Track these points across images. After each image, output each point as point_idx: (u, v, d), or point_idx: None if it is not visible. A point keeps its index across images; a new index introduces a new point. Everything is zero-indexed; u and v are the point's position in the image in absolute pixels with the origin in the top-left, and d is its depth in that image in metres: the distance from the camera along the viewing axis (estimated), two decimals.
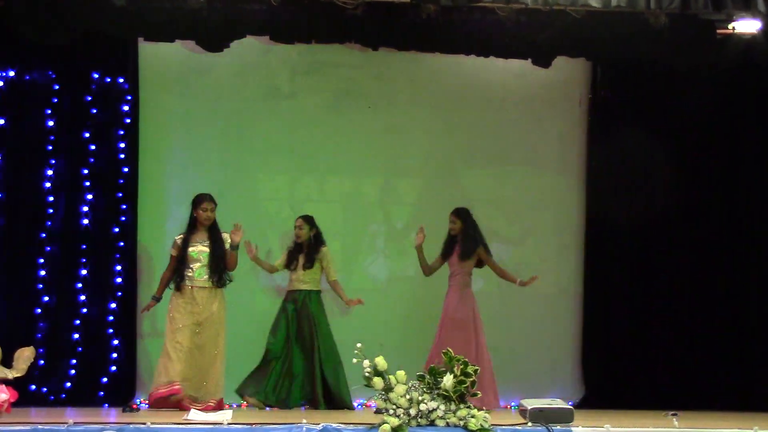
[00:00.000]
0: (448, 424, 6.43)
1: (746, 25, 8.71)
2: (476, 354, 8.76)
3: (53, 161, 9.43)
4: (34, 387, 9.09)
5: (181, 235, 8.42)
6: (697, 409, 9.21)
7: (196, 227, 8.41)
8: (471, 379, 6.52)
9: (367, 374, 6.52)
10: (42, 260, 9.34)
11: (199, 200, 8.42)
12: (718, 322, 10.04)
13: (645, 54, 9.30)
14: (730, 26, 8.78)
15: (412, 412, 6.40)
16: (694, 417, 8.21)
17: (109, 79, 9.60)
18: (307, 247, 9.19)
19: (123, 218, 9.52)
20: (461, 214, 9.21)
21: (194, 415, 7.10)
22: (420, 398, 6.43)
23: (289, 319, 9.09)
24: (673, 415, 7.95)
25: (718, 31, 8.95)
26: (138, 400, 9.29)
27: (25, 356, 6.25)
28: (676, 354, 10.00)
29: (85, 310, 9.38)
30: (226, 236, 8.44)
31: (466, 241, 9.13)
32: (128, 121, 9.60)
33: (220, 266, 8.34)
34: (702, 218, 10.16)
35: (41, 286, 9.32)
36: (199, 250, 8.35)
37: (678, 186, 10.17)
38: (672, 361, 9.99)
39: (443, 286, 9.20)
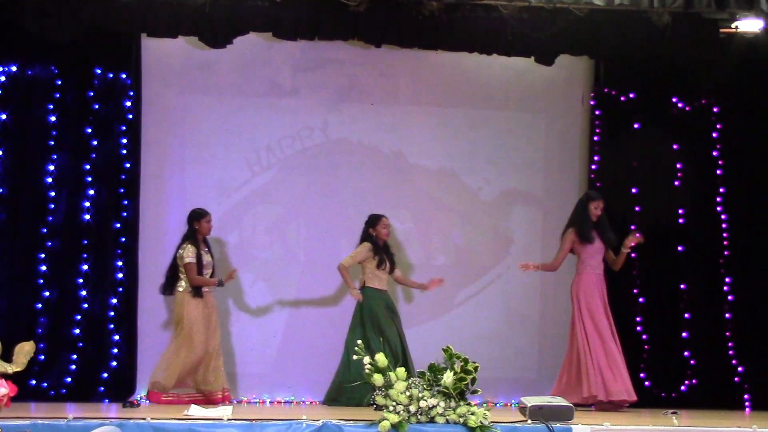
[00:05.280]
0: (447, 421, 6.42)
1: (749, 24, 8.74)
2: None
3: (55, 156, 9.43)
4: (33, 382, 9.09)
5: (190, 245, 9.03)
6: (697, 407, 9.23)
7: (197, 238, 9.05)
8: (471, 377, 6.51)
9: (367, 371, 6.52)
10: (43, 255, 9.33)
11: (203, 214, 9.13)
12: (718, 320, 10.04)
13: (648, 52, 9.30)
14: (733, 25, 8.82)
15: (412, 408, 6.39)
16: (694, 415, 8.21)
17: (111, 75, 9.59)
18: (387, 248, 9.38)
19: (124, 213, 9.52)
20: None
21: (194, 410, 7.10)
22: (420, 395, 6.43)
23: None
24: (673, 413, 7.96)
25: (721, 30, 8.98)
26: (138, 396, 9.30)
27: (25, 351, 6.23)
28: (677, 353, 9.99)
29: (85, 305, 9.37)
30: None
31: (606, 225, 9.04)
32: (130, 116, 9.59)
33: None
34: (706, 215, 10.16)
35: (42, 281, 9.32)
36: (208, 260, 9.15)
37: (682, 183, 10.18)
38: (672, 360, 9.98)
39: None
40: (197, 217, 9.15)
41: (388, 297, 9.30)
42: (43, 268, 9.33)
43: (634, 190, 10.16)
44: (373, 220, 9.25)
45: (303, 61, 10.05)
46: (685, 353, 10.01)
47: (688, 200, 10.21)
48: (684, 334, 10.03)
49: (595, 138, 10.31)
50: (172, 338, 9.10)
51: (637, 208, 10.14)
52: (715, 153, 10.26)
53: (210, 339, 9.03)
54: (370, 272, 9.21)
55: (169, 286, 9.16)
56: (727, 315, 10.07)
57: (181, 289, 9.06)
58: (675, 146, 10.24)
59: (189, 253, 9.02)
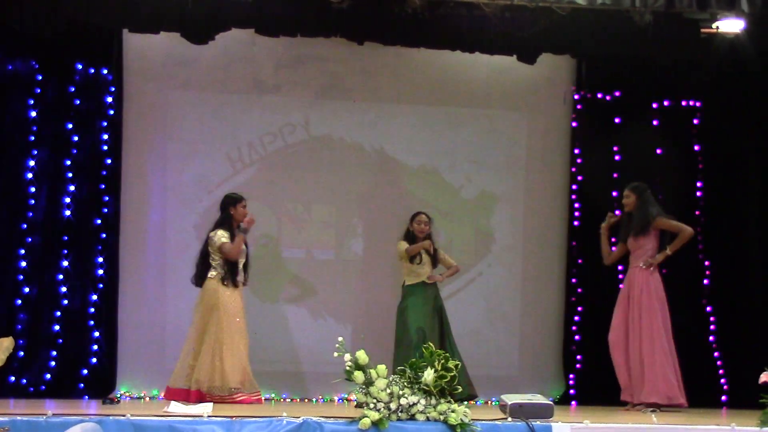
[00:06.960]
0: (428, 419, 6.42)
1: (730, 25, 8.78)
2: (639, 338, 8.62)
3: (35, 152, 9.41)
4: (13, 378, 9.06)
5: (222, 230, 8.46)
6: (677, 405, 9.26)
7: (232, 225, 8.53)
8: (451, 374, 6.51)
9: (347, 368, 6.52)
10: (23, 251, 9.30)
11: (239, 199, 8.60)
12: (697, 319, 10.09)
13: (629, 51, 9.35)
14: (714, 26, 8.87)
15: (393, 406, 6.39)
16: (673, 413, 8.24)
17: (93, 70, 9.59)
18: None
19: (105, 210, 9.50)
20: (636, 190, 8.82)
21: (174, 407, 7.07)
22: (400, 392, 6.42)
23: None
24: (652, 411, 7.99)
25: (703, 30, 9.03)
26: (118, 393, 9.27)
27: (4, 347, 6.21)
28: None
29: (66, 301, 9.35)
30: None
31: (639, 216, 8.76)
32: (112, 112, 9.59)
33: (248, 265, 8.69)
34: (686, 214, 10.18)
35: (22, 277, 9.29)
36: (243, 249, 8.55)
37: (662, 181, 10.21)
38: None
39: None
40: (233, 201, 8.56)
41: (425, 291, 9.17)
42: (23, 264, 9.29)
43: (615, 191, 10.20)
44: (411, 217, 9.26)
45: (285, 57, 10.05)
46: None
47: (669, 198, 10.24)
48: None
49: (577, 136, 10.34)
50: (213, 335, 8.34)
51: (617, 207, 10.18)
52: (695, 151, 10.32)
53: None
54: (407, 269, 9.19)
55: (200, 276, 8.49)
56: (706, 313, 10.12)
57: (212, 275, 8.43)
58: (654, 144, 10.28)
59: (224, 235, 8.40)
